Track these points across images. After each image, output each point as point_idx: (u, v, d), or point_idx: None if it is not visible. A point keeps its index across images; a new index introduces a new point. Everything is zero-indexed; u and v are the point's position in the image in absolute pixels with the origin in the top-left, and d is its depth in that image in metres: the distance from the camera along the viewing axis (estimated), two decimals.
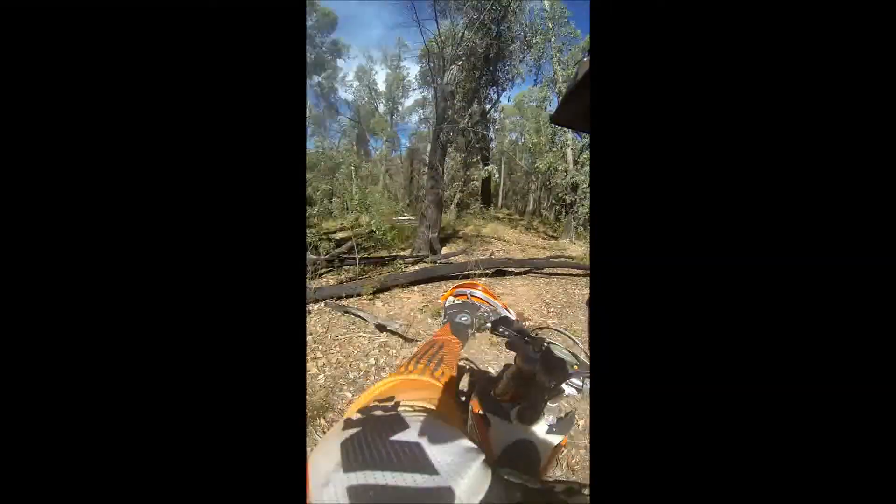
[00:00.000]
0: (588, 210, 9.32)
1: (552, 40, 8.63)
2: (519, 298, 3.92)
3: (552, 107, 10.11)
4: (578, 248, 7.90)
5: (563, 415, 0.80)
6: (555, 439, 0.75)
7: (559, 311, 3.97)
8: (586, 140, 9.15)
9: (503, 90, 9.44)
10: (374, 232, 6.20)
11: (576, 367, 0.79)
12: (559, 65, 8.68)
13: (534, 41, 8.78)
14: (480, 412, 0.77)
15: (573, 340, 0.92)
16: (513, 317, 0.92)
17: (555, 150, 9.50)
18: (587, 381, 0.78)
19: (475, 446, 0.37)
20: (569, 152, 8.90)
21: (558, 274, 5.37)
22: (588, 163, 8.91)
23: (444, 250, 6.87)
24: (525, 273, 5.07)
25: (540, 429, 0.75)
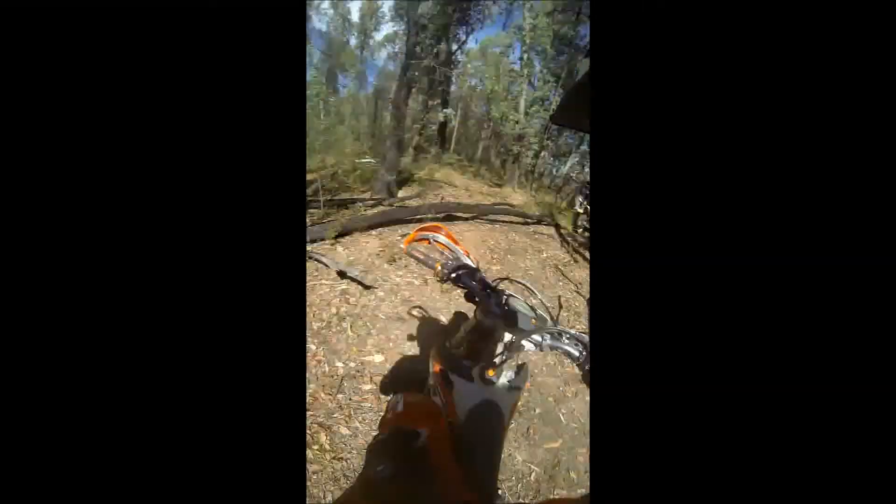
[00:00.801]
0: (532, 161, 9.75)
1: None
2: (466, 244, 3.96)
3: (515, 55, 9.90)
4: (519, 197, 8.39)
5: (517, 368, 0.80)
6: (514, 394, 0.76)
7: (501, 258, 4.18)
8: (539, 93, 9.33)
9: (472, 31, 9.09)
10: (337, 174, 6.24)
11: (534, 321, 0.78)
12: (529, 12, 8.55)
13: None
14: (440, 369, 0.75)
15: (534, 294, 0.89)
16: (475, 265, 0.88)
17: (509, 98, 9.64)
18: (547, 337, 0.76)
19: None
20: (521, 102, 9.11)
21: (501, 221, 5.58)
22: (536, 115, 9.19)
23: (401, 193, 7.11)
24: (472, 218, 5.17)
25: (501, 386, 0.74)
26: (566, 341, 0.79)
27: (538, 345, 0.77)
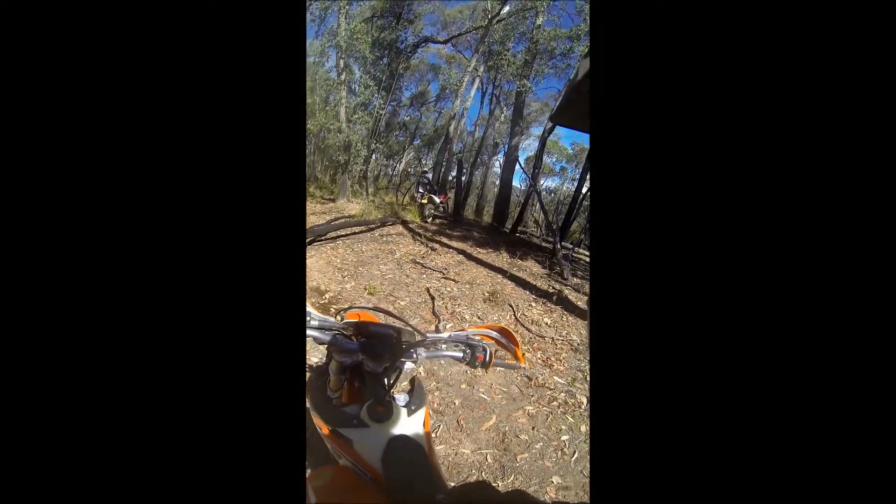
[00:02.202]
0: (362, 167, 9.63)
1: None
2: (310, 272, 3.81)
3: (330, 62, 9.60)
4: (356, 206, 8.22)
5: (410, 387, 0.77)
6: (419, 416, 0.72)
7: (353, 272, 4.02)
8: (360, 99, 9.29)
9: None
10: None
11: (395, 339, 0.73)
12: (345, 18, 8.37)
13: None
14: (330, 430, 0.70)
15: (384, 311, 0.87)
16: (308, 308, 0.80)
17: (328, 109, 9.28)
18: (421, 352, 0.75)
19: None
20: (342, 111, 8.88)
21: (342, 235, 5.43)
22: (360, 121, 9.12)
23: None
24: (309, 244, 4.90)
25: (399, 415, 0.69)
26: (444, 348, 0.78)
27: (413, 359, 0.75)
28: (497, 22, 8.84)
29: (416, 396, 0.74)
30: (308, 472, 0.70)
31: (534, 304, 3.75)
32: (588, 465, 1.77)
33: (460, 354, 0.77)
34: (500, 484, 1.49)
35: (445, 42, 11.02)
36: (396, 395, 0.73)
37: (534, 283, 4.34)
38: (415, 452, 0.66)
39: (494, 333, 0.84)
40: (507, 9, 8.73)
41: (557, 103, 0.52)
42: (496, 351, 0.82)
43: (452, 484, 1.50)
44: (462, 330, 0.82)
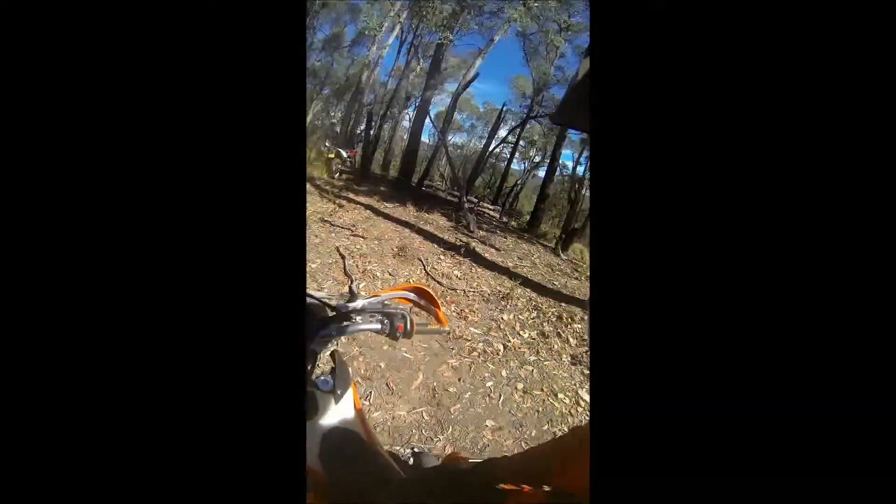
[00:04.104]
0: None
1: None
2: None
3: None
4: None
5: (332, 368, 0.74)
6: (348, 400, 0.69)
7: None
8: None
9: None
10: None
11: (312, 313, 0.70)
12: None
13: None
14: None
15: None
16: None
17: None
18: (333, 328, 0.71)
19: None
20: None
21: None
22: None
23: None
24: None
25: (326, 403, 0.67)
26: (359, 321, 0.74)
27: (330, 336, 0.71)
28: None
29: (340, 378, 0.69)
30: None
31: (443, 258, 3.85)
32: (514, 406, 1.99)
33: (378, 326, 0.72)
34: (441, 438, 1.57)
35: None
36: (319, 381, 0.69)
37: (441, 236, 4.43)
38: (351, 441, 0.63)
39: (412, 295, 0.80)
40: None
41: (559, 103, 0.52)
42: (414, 314, 0.77)
43: (397, 448, 1.57)
44: (376, 295, 0.77)
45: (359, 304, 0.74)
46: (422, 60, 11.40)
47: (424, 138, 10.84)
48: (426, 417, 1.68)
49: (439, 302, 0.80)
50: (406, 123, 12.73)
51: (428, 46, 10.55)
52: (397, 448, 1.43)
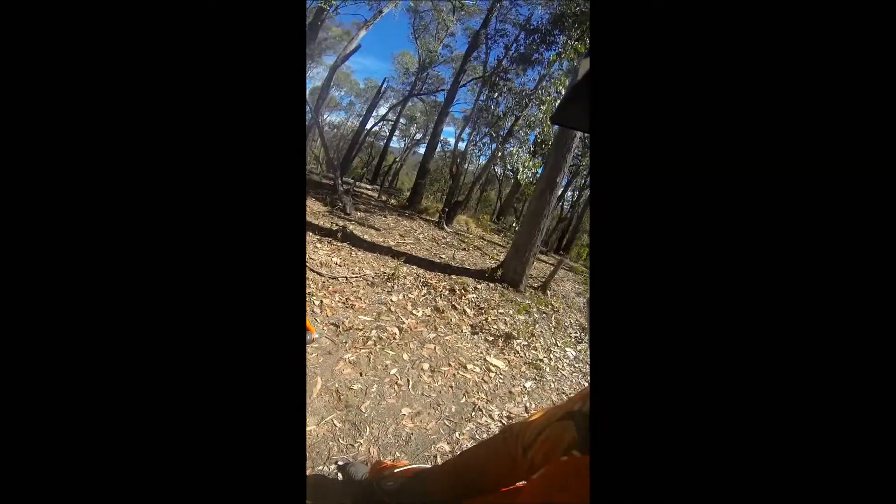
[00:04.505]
0: None
1: None
2: None
3: None
4: None
5: None
6: None
7: None
8: None
9: None
10: None
11: None
12: None
13: None
14: None
15: None
16: None
17: None
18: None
19: None
20: None
21: None
22: None
23: None
24: None
25: None
26: None
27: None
28: None
29: None
30: None
31: (319, 246, 3.50)
32: (426, 388, 1.94)
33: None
34: (361, 441, 1.41)
35: None
36: None
37: (316, 222, 4.02)
38: None
39: None
40: None
41: (558, 103, 0.52)
42: None
43: (320, 468, 1.36)
44: None
45: None
46: None
47: None
48: (338, 424, 1.48)
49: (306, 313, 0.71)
50: None
51: (307, 12, 9.16)
52: (320, 468, 1.23)
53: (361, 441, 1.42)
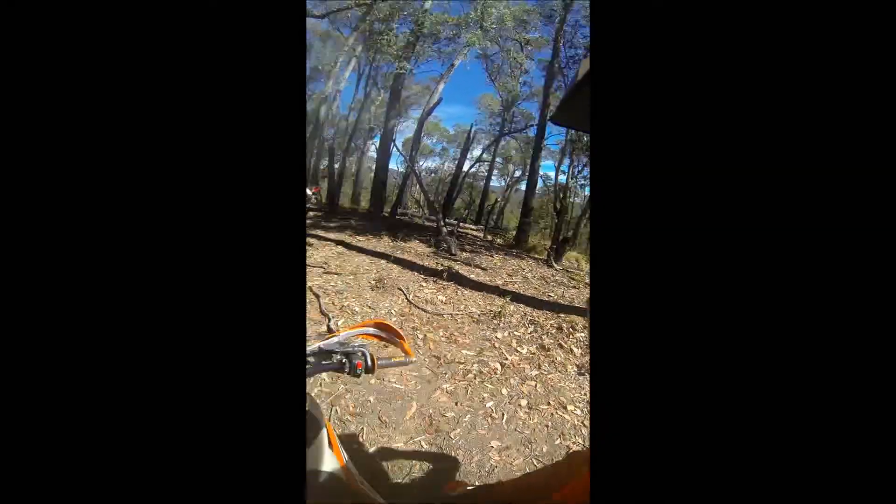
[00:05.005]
0: None
1: None
2: None
3: None
4: None
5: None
6: (320, 446, 0.66)
7: None
8: None
9: None
10: None
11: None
12: None
13: None
14: None
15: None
16: None
17: None
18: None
19: None
20: None
21: None
22: None
23: None
24: None
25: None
26: (315, 361, 0.74)
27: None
28: (383, 0, 8.36)
29: (311, 422, 0.63)
30: None
31: (424, 284, 3.71)
32: (520, 424, 1.82)
33: (337, 365, 0.72)
34: (443, 464, 1.38)
35: (322, 17, 9.94)
36: None
37: (421, 263, 4.31)
38: (335, 492, 0.59)
39: (372, 330, 0.78)
40: None
41: (558, 103, 0.50)
42: (377, 349, 0.75)
43: (399, 480, 1.38)
44: (334, 334, 0.76)
45: (315, 346, 0.73)
46: (381, 91, 11.65)
47: (394, 166, 10.93)
48: (425, 446, 1.48)
49: (404, 334, 0.80)
50: (373, 154, 12.88)
51: (387, 77, 10.75)
52: (398, 480, 1.23)
53: (443, 464, 1.38)
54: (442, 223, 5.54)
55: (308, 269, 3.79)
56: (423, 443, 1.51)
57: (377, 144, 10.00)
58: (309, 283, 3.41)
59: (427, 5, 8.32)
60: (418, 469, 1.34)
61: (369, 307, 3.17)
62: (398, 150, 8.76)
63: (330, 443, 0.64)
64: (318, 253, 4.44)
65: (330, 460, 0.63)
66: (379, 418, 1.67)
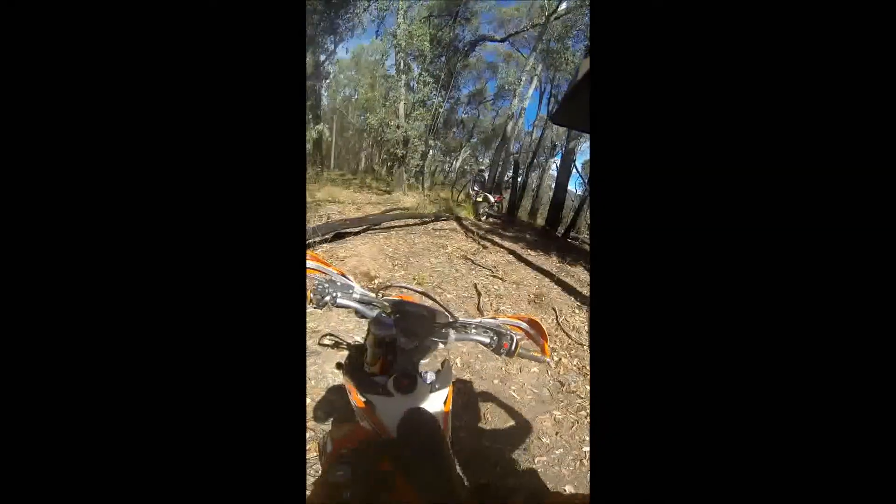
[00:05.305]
0: (420, 162, 9.87)
1: None
2: (362, 258, 3.92)
3: (390, 62, 10.00)
4: (411, 199, 8.46)
5: (439, 367, 0.82)
6: (441, 395, 0.76)
7: (404, 262, 4.11)
8: (419, 96, 9.52)
9: (341, 40, 8.92)
10: None
11: (428, 319, 0.79)
12: (404, 18, 8.63)
13: None
14: (361, 398, 0.75)
15: (420, 292, 0.92)
16: (351, 282, 0.86)
17: (387, 105, 9.63)
18: (451, 332, 0.80)
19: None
20: (401, 107, 9.17)
21: (396, 226, 5.57)
22: (420, 118, 9.34)
23: None
24: (364, 231, 4.99)
25: (423, 390, 0.75)
26: (473, 332, 0.83)
27: (444, 339, 0.80)
28: (555, 19, 8.60)
29: (443, 377, 0.78)
30: (326, 434, 0.81)
31: (577, 312, 3.69)
32: None
33: (487, 339, 0.81)
34: (510, 480, 1.54)
35: (503, 40, 10.93)
36: (424, 373, 0.79)
37: (580, 290, 4.25)
38: (428, 425, 0.71)
39: (524, 324, 0.86)
40: (564, 5, 8.49)
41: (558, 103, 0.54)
42: (522, 340, 0.83)
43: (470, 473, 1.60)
44: (494, 318, 0.85)
45: (475, 320, 0.84)
46: None
47: (572, 187, 10.63)
48: (508, 457, 1.67)
49: (548, 337, 0.87)
50: (553, 172, 12.87)
51: None
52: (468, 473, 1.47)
53: (510, 480, 1.54)
54: None
55: (477, 269, 4.26)
56: (507, 453, 1.69)
57: (558, 163, 9.99)
58: (475, 282, 3.86)
59: None
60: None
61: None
62: (578, 171, 8.51)
63: (446, 399, 0.77)
64: (490, 256, 4.88)
65: (439, 401, 0.75)
66: (483, 415, 1.90)
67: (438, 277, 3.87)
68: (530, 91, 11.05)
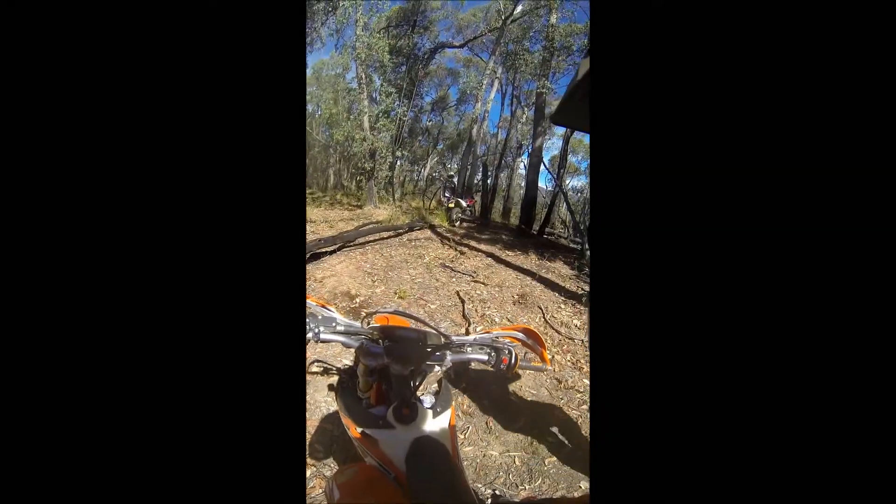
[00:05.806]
0: (388, 173, 9.80)
1: (360, 4, 8.44)
2: (341, 277, 3.86)
3: (352, 73, 9.91)
4: (383, 212, 8.38)
5: (437, 387, 0.79)
6: (444, 417, 0.73)
7: (383, 277, 4.05)
8: (382, 107, 9.48)
9: None
10: None
11: (420, 343, 0.75)
12: (363, 30, 8.57)
13: (340, 3, 8.40)
14: (359, 431, 0.72)
15: (411, 316, 0.87)
16: (333, 313, 0.81)
17: (351, 118, 9.55)
18: (447, 353, 0.77)
19: None
20: (365, 119, 9.10)
21: (371, 241, 5.50)
22: (385, 129, 9.29)
23: None
24: (339, 249, 4.91)
25: (425, 416, 0.71)
26: (469, 351, 0.79)
27: (440, 362, 0.76)
28: (511, 22, 8.85)
29: (442, 398, 0.75)
30: (331, 478, 0.74)
31: (563, 306, 3.72)
32: None
33: (485, 357, 0.79)
34: (527, 487, 1.50)
35: (462, 46, 11.10)
36: (423, 397, 0.75)
37: (563, 284, 4.29)
38: (438, 453, 0.67)
39: (520, 335, 0.84)
40: (519, 8, 8.75)
41: (558, 103, 0.52)
42: (524, 353, 0.81)
43: (480, 486, 1.57)
44: (488, 332, 0.83)
45: (470, 337, 0.81)
46: (525, 109, 11.73)
47: (542, 184, 10.90)
48: (517, 463, 1.62)
49: (547, 344, 0.86)
50: (522, 171, 13.20)
51: (529, 95, 11.03)
52: (479, 486, 1.42)
53: (528, 487, 1.50)
54: (586, 246, 5.32)
55: (457, 276, 4.24)
56: (516, 459, 1.65)
57: (526, 162, 10.21)
58: (457, 289, 3.83)
59: (553, 20, 8.19)
60: (502, 483, 1.50)
61: (508, 320, 3.38)
62: (546, 168, 8.74)
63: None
64: (469, 262, 4.87)
65: (443, 424, 0.71)
66: (486, 423, 1.87)
67: (419, 289, 3.82)
68: (492, 94, 11.28)
